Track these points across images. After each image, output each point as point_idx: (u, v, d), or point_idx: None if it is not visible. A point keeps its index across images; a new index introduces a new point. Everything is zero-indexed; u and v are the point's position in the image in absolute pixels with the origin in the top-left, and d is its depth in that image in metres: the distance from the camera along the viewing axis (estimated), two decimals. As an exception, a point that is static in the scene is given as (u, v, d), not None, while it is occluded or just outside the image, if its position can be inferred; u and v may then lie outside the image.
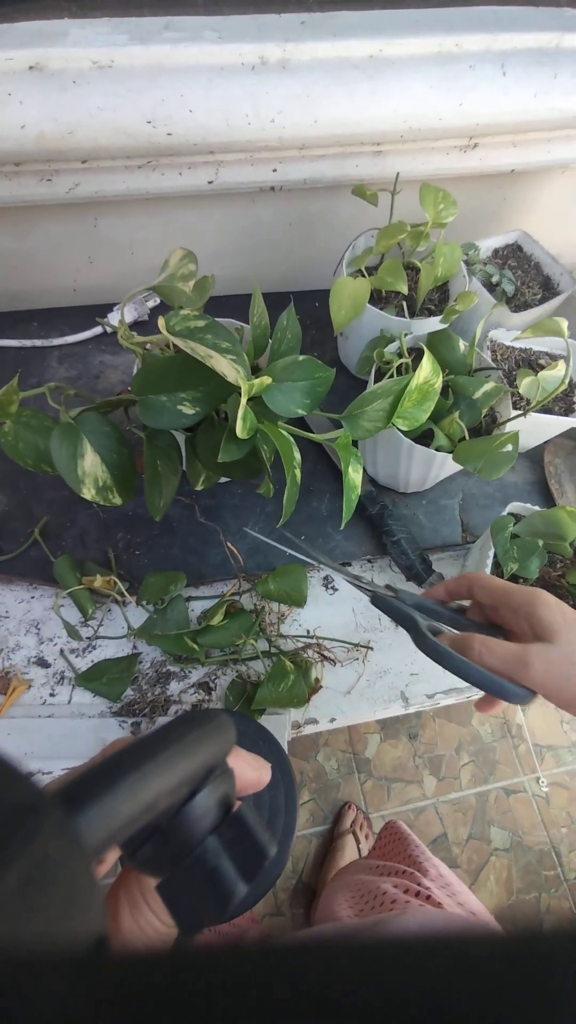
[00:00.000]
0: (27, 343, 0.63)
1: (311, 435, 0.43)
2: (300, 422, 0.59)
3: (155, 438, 0.43)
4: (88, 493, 0.40)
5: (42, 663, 0.51)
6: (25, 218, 0.57)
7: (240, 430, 0.36)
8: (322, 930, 0.36)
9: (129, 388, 0.46)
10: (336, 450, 0.41)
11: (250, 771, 0.23)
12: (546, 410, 0.54)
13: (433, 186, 0.54)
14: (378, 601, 0.39)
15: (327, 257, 0.69)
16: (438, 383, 0.44)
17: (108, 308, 0.66)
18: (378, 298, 0.58)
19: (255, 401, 0.41)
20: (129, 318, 0.64)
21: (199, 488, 0.47)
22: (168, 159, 0.50)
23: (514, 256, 0.64)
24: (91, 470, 0.40)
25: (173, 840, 0.18)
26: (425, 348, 0.44)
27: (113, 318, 0.64)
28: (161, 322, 0.37)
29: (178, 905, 0.19)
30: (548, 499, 0.62)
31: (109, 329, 0.64)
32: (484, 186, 0.65)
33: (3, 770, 0.13)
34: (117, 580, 0.50)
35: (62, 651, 0.52)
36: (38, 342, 0.63)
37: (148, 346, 0.44)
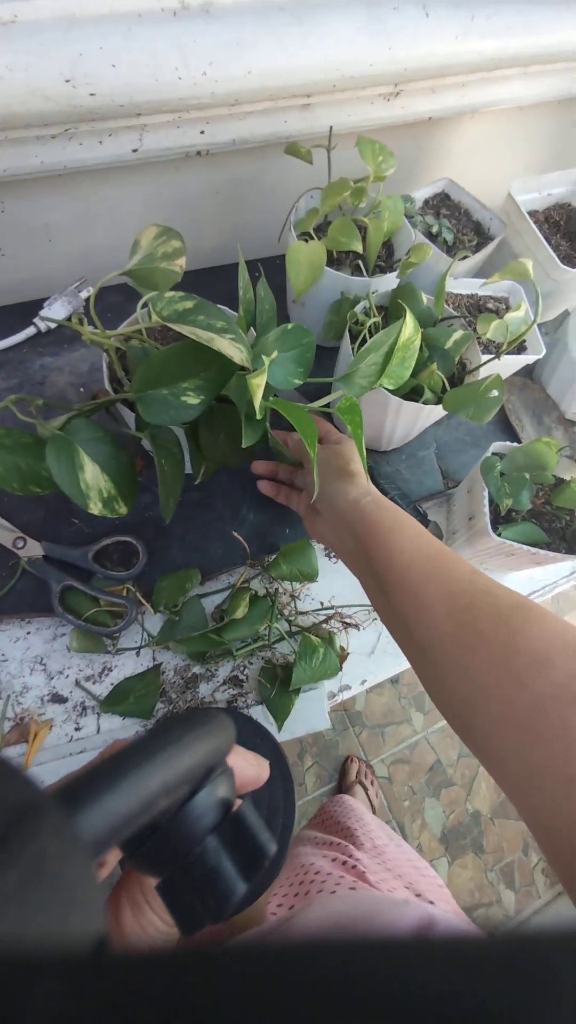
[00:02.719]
0: (-53, 354, 0.55)
1: (311, 404, 0.42)
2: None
3: (158, 436, 0.40)
4: (96, 508, 0.37)
5: (58, 699, 0.47)
6: None
7: (258, 411, 0.35)
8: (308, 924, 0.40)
9: (104, 390, 0.42)
10: (339, 415, 0.40)
11: (250, 769, 0.23)
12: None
13: (369, 138, 0.53)
14: None
15: (260, 225, 0.66)
16: (418, 339, 0.45)
17: (35, 305, 0.59)
18: (330, 260, 0.57)
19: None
20: (63, 312, 0.58)
21: (198, 481, 0.44)
22: (89, 124, 0.44)
23: (444, 205, 0.65)
24: (94, 482, 0.37)
25: (173, 840, 0.18)
26: (405, 306, 0.44)
27: (46, 316, 0.57)
28: (140, 313, 0.35)
29: (178, 904, 0.19)
30: (511, 435, 0.66)
31: (44, 328, 0.58)
32: (404, 136, 0.65)
33: (3, 770, 0.13)
34: (131, 588, 0.47)
35: (77, 681, 0.48)
36: (-39, 352, 0.56)
37: (113, 339, 0.41)
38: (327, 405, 0.43)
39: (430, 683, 0.33)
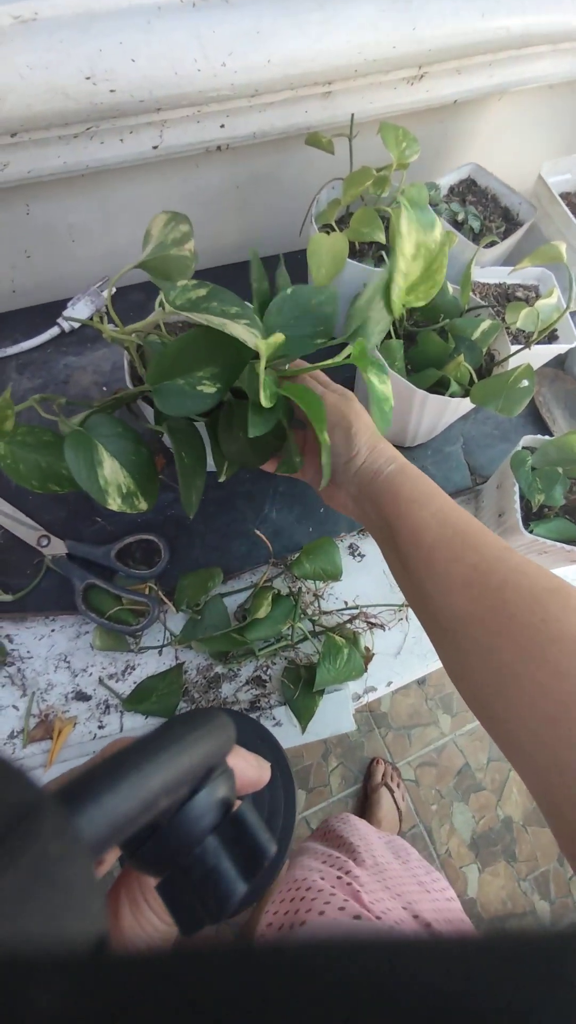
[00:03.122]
0: (-25, 357, 0.56)
1: (329, 362, 0.39)
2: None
3: (177, 430, 0.39)
4: (114, 504, 0.37)
5: (82, 697, 0.48)
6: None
7: (264, 399, 0.33)
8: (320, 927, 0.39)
9: (125, 387, 0.42)
10: (357, 364, 0.38)
11: (250, 770, 0.23)
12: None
13: (392, 125, 0.51)
14: None
15: (282, 219, 0.66)
16: (436, 235, 0.41)
17: (59, 306, 0.60)
18: (352, 252, 0.56)
19: (270, 368, 0.39)
20: (86, 312, 0.58)
21: (222, 479, 0.43)
22: (110, 122, 0.44)
23: (470, 191, 0.63)
24: (112, 478, 0.37)
25: (173, 839, 0.18)
26: (402, 202, 0.40)
27: (70, 316, 0.58)
28: (157, 312, 0.34)
29: (178, 904, 0.19)
30: (543, 428, 0.63)
31: (68, 328, 0.58)
32: (428, 121, 0.63)
33: (3, 770, 0.13)
34: (153, 586, 0.47)
35: (100, 679, 0.48)
36: (-11, 354, 0.56)
37: (134, 335, 0.40)
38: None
39: (454, 667, 0.31)
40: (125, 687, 0.48)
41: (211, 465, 0.44)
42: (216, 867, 0.18)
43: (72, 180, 0.52)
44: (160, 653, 0.49)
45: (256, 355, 0.34)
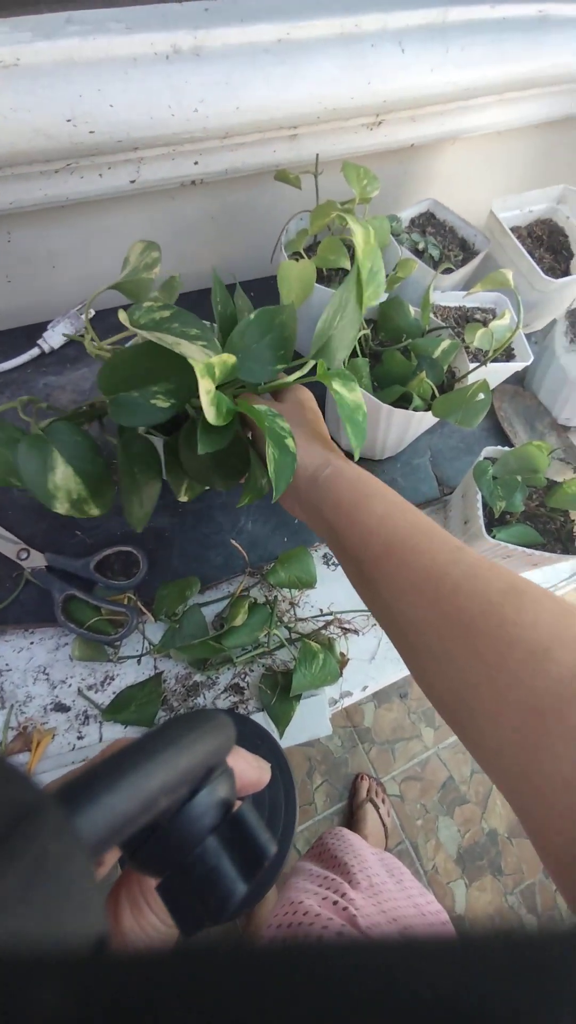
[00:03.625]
0: (-44, 377, 0.58)
1: (290, 379, 0.40)
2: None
3: (131, 444, 0.41)
4: (62, 507, 0.38)
5: (60, 708, 0.48)
6: None
7: (213, 417, 0.33)
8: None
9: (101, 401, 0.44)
10: (322, 381, 0.39)
11: (250, 771, 0.23)
12: (494, 359, 0.59)
13: (354, 164, 0.56)
14: None
15: (254, 247, 0.69)
16: (372, 239, 0.42)
17: (39, 328, 0.62)
18: (320, 277, 0.60)
19: (231, 385, 0.40)
20: (63, 335, 0.60)
21: (183, 499, 0.45)
22: (89, 159, 0.47)
23: (430, 223, 0.68)
24: (63, 483, 0.38)
25: (173, 840, 0.18)
26: (357, 227, 0.41)
27: (49, 337, 0.60)
28: (123, 316, 0.34)
29: (178, 905, 0.19)
30: (504, 441, 0.67)
31: (48, 349, 0.60)
32: (388, 160, 0.68)
33: (3, 770, 0.13)
34: (132, 597, 0.48)
35: (79, 690, 0.49)
36: (-31, 374, 0.58)
37: (109, 348, 0.42)
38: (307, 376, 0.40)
39: (418, 674, 0.31)
40: (104, 697, 0.49)
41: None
42: (216, 867, 0.18)
43: (53, 210, 0.55)
44: (139, 662, 0.50)
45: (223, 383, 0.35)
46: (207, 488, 0.45)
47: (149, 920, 0.20)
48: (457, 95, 0.56)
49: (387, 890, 0.56)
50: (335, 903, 0.48)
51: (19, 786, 0.13)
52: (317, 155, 0.56)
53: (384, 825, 1.27)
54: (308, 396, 0.43)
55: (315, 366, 0.40)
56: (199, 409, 0.39)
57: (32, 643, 0.50)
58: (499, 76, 0.55)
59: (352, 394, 0.40)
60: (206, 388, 0.32)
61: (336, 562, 0.59)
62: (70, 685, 0.49)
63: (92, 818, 0.14)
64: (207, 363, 0.32)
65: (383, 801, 1.31)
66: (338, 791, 1.34)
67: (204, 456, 0.37)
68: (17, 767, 0.13)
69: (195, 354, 0.33)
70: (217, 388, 0.34)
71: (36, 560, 0.50)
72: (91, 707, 0.48)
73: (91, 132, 0.44)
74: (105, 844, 0.14)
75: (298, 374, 0.39)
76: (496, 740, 0.25)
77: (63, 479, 0.38)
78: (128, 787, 0.15)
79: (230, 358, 0.34)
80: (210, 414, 0.33)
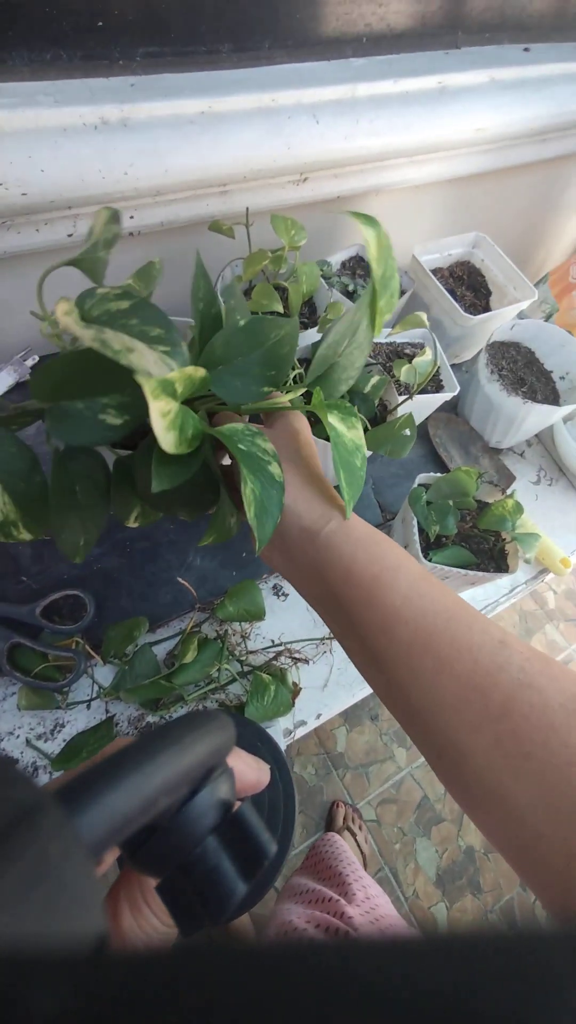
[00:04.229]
0: None
1: (279, 401, 0.34)
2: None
3: (73, 457, 0.33)
4: None
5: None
6: None
7: (172, 444, 0.26)
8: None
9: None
10: (316, 412, 0.33)
11: (250, 772, 0.23)
12: (423, 391, 0.63)
13: (281, 216, 0.60)
14: None
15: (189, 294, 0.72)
16: (384, 240, 0.31)
17: (-20, 374, 0.62)
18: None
19: (206, 400, 0.33)
20: (10, 380, 0.61)
21: (132, 525, 0.37)
22: (24, 217, 0.49)
23: (359, 266, 0.73)
24: None
25: (173, 840, 0.18)
26: (367, 229, 0.30)
27: (-9, 383, 0.60)
28: (64, 307, 0.26)
29: (178, 905, 0.19)
30: (441, 466, 0.71)
31: (-11, 395, 0.60)
32: (317, 210, 0.73)
33: (3, 770, 0.13)
34: (80, 640, 0.48)
35: (28, 741, 0.48)
36: None
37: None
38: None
39: (461, 798, 0.25)
40: (54, 746, 0.48)
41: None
42: (216, 867, 0.18)
43: (-8, 263, 0.56)
44: (88, 707, 0.49)
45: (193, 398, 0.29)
46: (161, 515, 0.38)
47: (148, 920, 0.20)
48: (371, 158, 0.61)
49: (382, 905, 0.56)
50: (327, 928, 0.47)
51: (19, 786, 0.13)
52: (247, 208, 0.60)
53: (362, 853, 1.26)
54: (304, 425, 0.36)
55: (310, 394, 0.34)
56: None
57: (-24, 695, 0.49)
58: (407, 142, 0.61)
59: (352, 432, 0.33)
60: (160, 410, 0.25)
61: (286, 593, 0.60)
62: (18, 736, 0.48)
63: (92, 818, 0.14)
64: (164, 380, 0.25)
65: (360, 828, 1.30)
66: (315, 821, 1.32)
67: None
68: (17, 768, 0.13)
69: (149, 365, 0.26)
70: (185, 403, 0.28)
71: (-22, 610, 0.49)
72: (40, 757, 0.47)
73: (23, 194, 0.46)
74: (105, 844, 0.14)
75: (290, 395, 0.33)
76: (566, 894, 0.20)
77: None
78: (128, 787, 0.15)
79: (197, 371, 0.27)
80: (167, 441, 0.26)
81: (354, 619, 0.28)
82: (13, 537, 0.33)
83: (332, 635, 0.55)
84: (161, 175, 0.50)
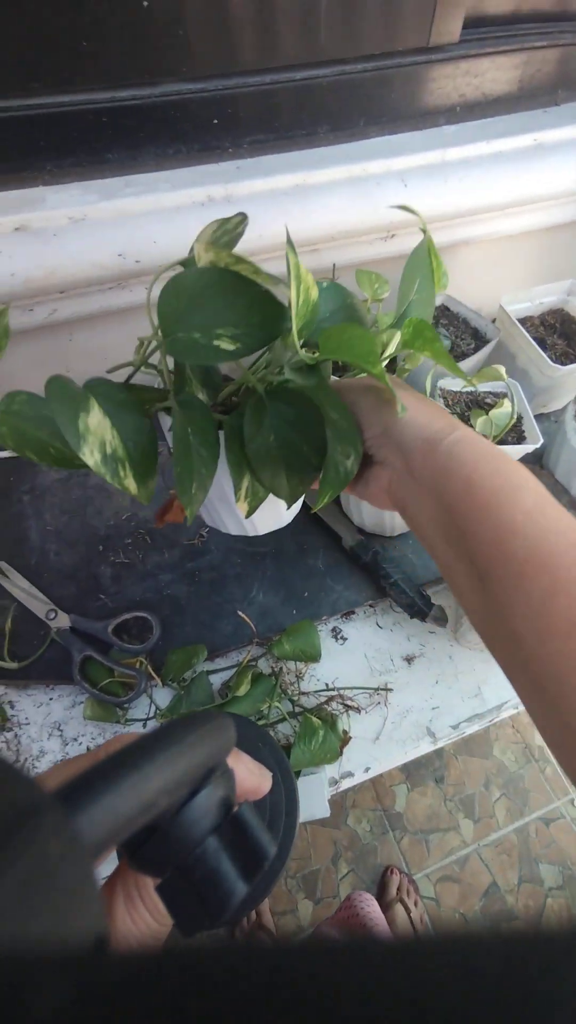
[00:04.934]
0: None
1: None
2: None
3: (188, 404, 0.33)
4: (91, 457, 0.30)
5: (70, 766, 0.50)
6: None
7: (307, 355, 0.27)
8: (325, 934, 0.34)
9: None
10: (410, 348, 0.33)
11: (251, 777, 0.22)
12: (502, 442, 0.61)
13: (366, 271, 0.62)
14: None
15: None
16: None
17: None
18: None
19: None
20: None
21: (241, 507, 0.36)
22: (137, 279, 0.57)
23: (444, 316, 0.73)
24: (97, 429, 0.30)
25: (173, 840, 0.18)
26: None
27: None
28: (206, 233, 0.33)
29: (178, 906, 0.19)
30: (520, 520, 0.67)
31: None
32: (402, 264, 0.75)
33: (3, 770, 0.13)
34: (143, 661, 0.51)
35: (88, 749, 0.51)
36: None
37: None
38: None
39: (554, 738, 0.24)
40: (111, 759, 0.51)
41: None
42: (216, 868, 0.18)
43: (108, 315, 0.65)
44: (144, 726, 0.52)
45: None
46: (263, 496, 0.36)
47: (143, 916, 0.20)
48: (461, 214, 0.62)
49: None
50: None
51: (19, 786, 0.13)
52: (334, 264, 0.63)
53: (416, 932, 1.15)
54: None
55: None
56: (266, 382, 0.33)
57: (51, 699, 0.53)
58: (496, 198, 0.62)
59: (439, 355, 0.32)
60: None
61: (345, 636, 0.59)
62: (80, 743, 0.51)
63: (92, 818, 0.14)
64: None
65: (415, 903, 1.19)
66: (365, 883, 1.23)
67: (271, 438, 0.31)
68: (17, 768, 0.14)
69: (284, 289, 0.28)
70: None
71: (62, 620, 0.54)
72: (97, 767, 0.50)
73: (137, 262, 0.53)
74: (105, 844, 0.14)
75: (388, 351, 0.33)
76: None
77: (97, 425, 0.30)
78: (128, 787, 0.15)
79: (315, 290, 0.29)
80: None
81: (467, 532, 0.26)
82: (119, 479, 0.31)
83: (439, 572, 0.39)
84: (255, 239, 0.55)
